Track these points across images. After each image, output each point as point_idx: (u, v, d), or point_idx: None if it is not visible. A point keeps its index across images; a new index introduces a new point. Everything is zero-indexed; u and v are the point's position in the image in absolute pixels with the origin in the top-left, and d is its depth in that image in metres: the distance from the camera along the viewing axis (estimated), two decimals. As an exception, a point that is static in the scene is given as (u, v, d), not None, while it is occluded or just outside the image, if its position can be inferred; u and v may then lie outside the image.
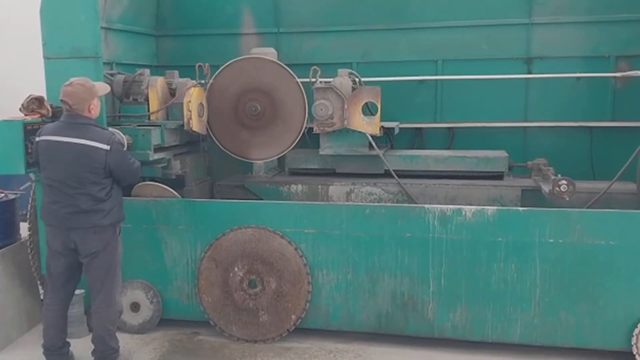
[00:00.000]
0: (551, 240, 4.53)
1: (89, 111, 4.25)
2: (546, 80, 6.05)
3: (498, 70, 6.10)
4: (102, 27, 5.70)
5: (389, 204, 5.10)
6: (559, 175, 5.13)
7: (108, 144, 4.20)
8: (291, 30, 6.56)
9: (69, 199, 4.21)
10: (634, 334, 4.45)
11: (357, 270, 4.87)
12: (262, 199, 5.52)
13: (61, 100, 4.21)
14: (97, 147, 4.18)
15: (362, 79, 6.25)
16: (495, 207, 4.66)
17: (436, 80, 6.32)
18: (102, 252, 4.32)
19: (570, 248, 4.52)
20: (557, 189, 4.59)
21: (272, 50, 5.87)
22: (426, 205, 4.78)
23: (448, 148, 6.30)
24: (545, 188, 4.88)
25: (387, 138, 6.10)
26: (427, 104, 6.41)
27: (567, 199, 4.63)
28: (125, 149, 4.67)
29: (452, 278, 4.72)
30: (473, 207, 4.66)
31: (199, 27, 6.71)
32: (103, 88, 4.45)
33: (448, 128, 6.37)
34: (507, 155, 5.51)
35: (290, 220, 4.92)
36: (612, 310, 4.51)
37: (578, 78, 5.99)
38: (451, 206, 4.72)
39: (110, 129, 4.87)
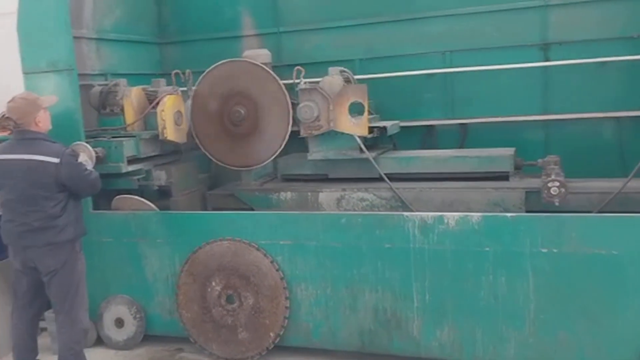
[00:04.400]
0: (544, 250, 4.01)
1: (36, 124, 4.15)
2: (566, 68, 5.43)
3: (512, 59, 5.53)
4: (92, 38, 5.73)
5: (366, 212, 4.71)
6: (563, 175, 4.59)
7: (57, 157, 4.08)
8: (291, 29, 6.29)
9: (21, 217, 4.12)
10: (644, 357, 3.85)
11: (337, 284, 4.52)
12: (252, 208, 5.27)
13: (6, 118, 4.13)
14: (46, 161, 4.07)
15: (367, 76, 5.94)
16: (480, 214, 4.17)
17: (445, 73, 5.85)
18: (61, 270, 4.20)
19: (566, 258, 3.97)
20: (546, 192, 4.04)
21: (265, 51, 5.61)
22: (405, 213, 4.36)
23: (460, 146, 5.80)
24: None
25: (389, 138, 5.68)
26: (437, 99, 5.96)
27: (557, 203, 4.08)
28: (92, 161, 4.60)
29: (437, 293, 4.28)
30: (456, 214, 4.20)
31: (201, 32, 6.56)
32: (48, 100, 4.33)
33: (460, 124, 5.87)
34: (512, 153, 4.97)
35: (265, 231, 4.64)
36: (618, 330, 3.93)
37: (602, 63, 5.35)
38: (432, 213, 4.28)
39: (82, 142, 4.80)
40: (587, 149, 5.49)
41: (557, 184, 4.05)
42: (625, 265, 3.87)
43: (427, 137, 5.98)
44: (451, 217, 4.20)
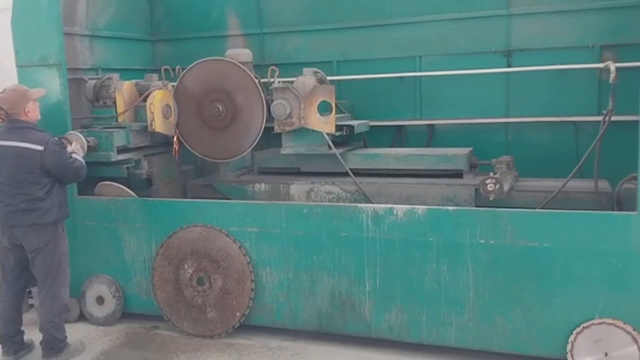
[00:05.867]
0: (482, 241, 4.37)
1: (26, 114, 4.56)
2: (528, 74, 5.75)
3: (478, 64, 5.89)
4: (85, 35, 6.11)
5: (325, 203, 5.08)
6: (514, 174, 4.96)
7: (42, 145, 4.48)
8: (274, 31, 6.66)
9: (9, 199, 4.53)
10: (569, 341, 4.20)
11: (298, 269, 4.89)
12: (229, 198, 5.65)
13: None
14: (32, 149, 4.48)
15: (343, 77, 6.30)
16: (425, 207, 4.54)
17: (415, 76, 6.20)
18: (44, 249, 4.61)
19: (502, 250, 4.33)
20: (483, 187, 4.40)
21: (246, 51, 5.97)
22: (360, 205, 4.73)
23: (427, 146, 6.16)
24: (488, 187, 4.70)
25: (360, 136, 6.06)
26: (407, 101, 6.32)
27: (492, 198, 4.43)
28: (84, 149, 4.99)
29: (386, 278, 4.65)
30: (404, 207, 4.57)
31: (191, 31, 6.95)
32: (37, 92, 4.73)
33: (428, 125, 6.23)
34: (468, 153, 5.32)
35: (234, 219, 5.02)
36: (548, 317, 4.28)
37: (561, 70, 5.66)
38: (383, 205, 4.65)
39: (75, 131, 5.20)
40: (546, 151, 5.84)
41: (494, 180, 4.40)
42: (555, 257, 4.21)
43: (397, 136, 6.34)
44: (400, 209, 4.56)
